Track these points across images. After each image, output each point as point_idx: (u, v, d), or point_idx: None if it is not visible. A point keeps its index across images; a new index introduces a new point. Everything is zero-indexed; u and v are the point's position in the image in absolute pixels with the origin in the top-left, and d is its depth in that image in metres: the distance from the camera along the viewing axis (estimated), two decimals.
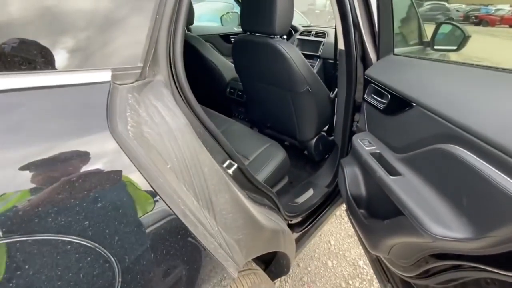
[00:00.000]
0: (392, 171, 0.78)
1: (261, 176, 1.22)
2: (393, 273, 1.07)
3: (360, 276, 1.60)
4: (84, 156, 0.35)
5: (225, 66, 1.94)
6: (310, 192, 1.47)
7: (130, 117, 0.40)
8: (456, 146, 0.57)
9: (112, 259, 0.35)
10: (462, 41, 1.18)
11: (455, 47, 1.22)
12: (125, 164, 0.37)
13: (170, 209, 0.41)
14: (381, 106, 0.93)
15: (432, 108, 0.66)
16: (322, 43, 2.26)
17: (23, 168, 0.31)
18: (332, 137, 1.65)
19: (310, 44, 2.26)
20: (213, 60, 1.88)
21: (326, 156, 1.69)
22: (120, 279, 0.35)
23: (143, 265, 0.38)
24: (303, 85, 1.24)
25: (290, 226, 1.27)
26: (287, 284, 1.57)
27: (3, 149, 0.31)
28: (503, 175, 0.47)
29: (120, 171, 0.36)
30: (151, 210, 0.39)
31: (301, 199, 1.40)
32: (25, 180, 0.31)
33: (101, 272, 0.34)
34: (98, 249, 0.33)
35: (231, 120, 1.55)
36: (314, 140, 1.54)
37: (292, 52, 1.16)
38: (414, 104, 0.73)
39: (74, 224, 0.33)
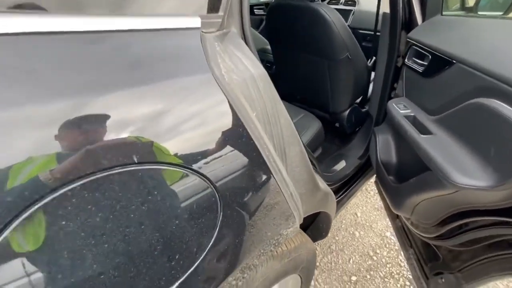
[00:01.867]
0: (424, 131, 0.78)
1: None
2: (416, 238, 1.10)
3: (387, 246, 1.64)
4: (188, 98, 0.36)
5: (253, 36, 1.90)
6: (342, 163, 1.47)
7: (221, 63, 0.41)
8: (490, 99, 0.58)
9: (216, 188, 0.37)
10: (511, 5, 1.10)
11: (501, 12, 1.13)
12: (226, 107, 0.39)
13: (260, 152, 0.43)
14: (420, 69, 0.91)
15: (471, 63, 0.66)
16: (352, 12, 2.15)
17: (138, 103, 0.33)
18: (365, 109, 1.62)
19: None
20: None
21: (357, 129, 1.67)
22: (221, 205, 0.38)
23: (236, 195, 0.42)
24: (343, 52, 1.20)
25: None
26: (316, 251, 1.63)
27: (120, 86, 0.33)
28: None
29: (223, 114, 0.38)
30: (246, 151, 0.41)
31: (335, 169, 1.41)
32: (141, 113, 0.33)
33: (206, 200, 0.37)
34: (203, 179, 0.36)
35: None
36: (348, 111, 1.51)
37: (333, 15, 1.12)
38: (454, 62, 0.72)
39: (185, 155, 0.35)
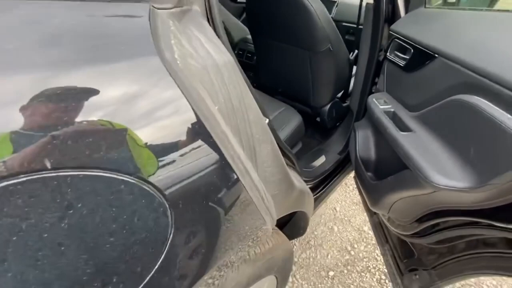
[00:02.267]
0: (403, 128, 0.76)
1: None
2: (392, 234, 1.11)
3: (365, 240, 1.65)
4: (124, 86, 0.29)
5: (234, 25, 1.80)
6: (322, 159, 1.45)
7: (175, 45, 0.34)
8: (471, 95, 0.55)
9: (162, 192, 0.31)
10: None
11: (484, 7, 1.13)
12: (176, 98, 0.32)
13: (222, 153, 0.37)
14: (402, 63, 0.88)
15: (453, 57, 0.63)
16: (336, 4, 2.11)
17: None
18: (345, 103, 1.60)
19: None
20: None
21: (337, 124, 1.65)
22: (172, 217, 0.31)
23: (191, 205, 0.35)
24: (325, 43, 1.15)
25: None
26: (294, 246, 1.61)
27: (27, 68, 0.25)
28: None
29: (172, 105, 0.31)
30: (204, 151, 0.35)
31: (314, 165, 1.38)
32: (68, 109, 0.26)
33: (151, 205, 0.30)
34: (148, 187, 0.30)
35: None
36: (329, 106, 1.48)
37: (316, 5, 1.06)
38: (436, 56, 0.69)
39: (123, 158, 0.28)
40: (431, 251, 0.96)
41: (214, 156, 0.36)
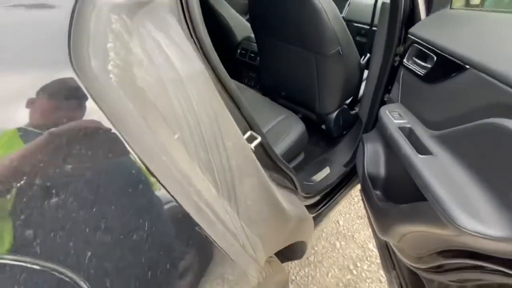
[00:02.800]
0: (422, 150, 0.65)
1: (277, 151, 1.07)
2: (400, 261, 0.99)
3: (368, 259, 1.54)
4: (25, 110, 0.19)
5: (237, 22, 1.69)
6: (326, 171, 1.33)
7: (113, 51, 0.23)
8: None
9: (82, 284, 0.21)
10: None
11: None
12: (102, 128, 0.21)
13: (176, 201, 0.26)
14: (422, 72, 0.76)
15: (490, 70, 0.51)
16: (348, 2, 1.98)
17: None
18: (354, 111, 1.48)
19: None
20: (224, 14, 1.63)
21: (345, 132, 1.53)
22: None
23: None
24: (334, 46, 1.04)
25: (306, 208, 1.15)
26: (292, 263, 1.50)
27: None
28: None
29: (93, 139, 0.21)
30: (146, 205, 0.24)
31: (317, 178, 1.27)
32: None
33: None
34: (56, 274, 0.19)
35: (241, 85, 1.37)
36: (335, 113, 1.36)
37: (326, 4, 0.95)
38: (467, 67, 0.57)
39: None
40: (443, 286, 0.84)
41: (163, 206, 0.26)
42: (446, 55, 0.65)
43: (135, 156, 0.23)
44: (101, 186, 0.20)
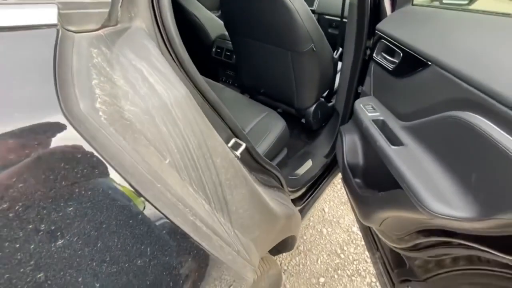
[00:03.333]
0: (395, 141, 0.70)
1: (260, 150, 1.09)
2: (383, 243, 1.07)
3: (354, 242, 1.63)
4: (18, 164, 0.19)
5: (210, 21, 1.67)
6: (309, 163, 1.38)
7: (99, 87, 0.24)
8: (474, 114, 0.49)
9: None
10: None
11: (465, 1, 1.07)
12: (98, 168, 0.22)
13: (174, 224, 0.28)
14: (390, 67, 0.81)
15: (450, 67, 0.55)
16: None
17: None
18: (331, 103, 1.53)
19: None
20: (196, 14, 1.60)
21: (324, 124, 1.59)
22: None
23: None
24: (307, 43, 1.06)
25: (292, 201, 1.19)
26: (284, 254, 1.56)
27: None
28: None
29: (91, 181, 0.22)
30: (147, 231, 0.26)
31: (301, 171, 1.32)
32: None
33: None
34: None
35: (220, 85, 1.37)
36: (313, 107, 1.40)
37: (297, 3, 0.97)
38: (429, 63, 0.62)
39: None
40: (423, 262, 0.92)
41: (164, 231, 0.27)
42: (411, 52, 0.70)
43: (131, 188, 0.24)
44: (103, 222, 0.22)
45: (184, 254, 0.29)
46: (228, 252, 0.37)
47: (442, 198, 0.53)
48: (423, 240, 0.75)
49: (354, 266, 1.51)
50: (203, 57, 1.83)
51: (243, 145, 0.54)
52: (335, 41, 1.38)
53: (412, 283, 0.95)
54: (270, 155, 1.16)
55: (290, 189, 1.13)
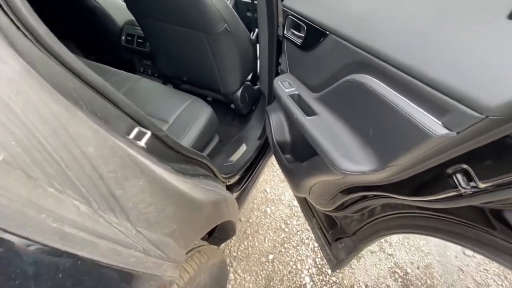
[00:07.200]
0: (309, 112, 0.75)
1: (187, 140, 1.03)
2: (317, 209, 1.17)
3: (296, 214, 1.73)
4: None
5: (115, 5, 1.47)
6: (243, 148, 1.38)
7: None
8: (363, 75, 0.54)
9: None
10: None
11: None
12: None
13: (23, 237, 0.21)
14: (299, 42, 0.84)
15: (343, 34, 0.60)
16: None
17: None
18: (257, 86, 1.54)
19: None
20: (98, 0, 1.38)
21: (253, 107, 1.60)
22: None
23: None
24: (220, 23, 1.02)
25: (228, 187, 1.18)
26: (231, 240, 1.56)
27: None
28: (406, 99, 0.44)
29: None
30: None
31: (236, 157, 1.31)
32: None
33: None
34: None
35: (135, 77, 1.23)
36: (240, 91, 1.39)
37: None
38: (327, 33, 0.66)
39: None
40: (349, 219, 1.02)
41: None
42: (312, 24, 0.73)
43: None
44: None
45: (49, 270, 0.23)
46: (128, 255, 0.32)
47: (350, 157, 0.57)
48: (344, 199, 0.83)
49: (298, 236, 1.61)
50: (112, 47, 1.62)
51: (148, 133, 0.48)
52: (253, 24, 1.37)
53: (344, 239, 1.06)
54: (199, 144, 1.11)
55: (226, 176, 1.11)
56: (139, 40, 1.49)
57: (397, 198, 0.61)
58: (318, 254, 1.52)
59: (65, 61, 0.36)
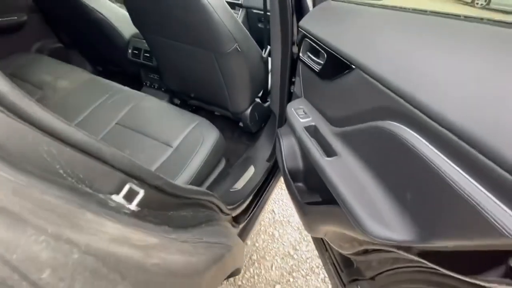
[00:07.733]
0: (328, 149, 0.66)
1: (192, 167, 0.96)
2: (330, 245, 1.07)
3: (306, 239, 1.62)
4: None
5: (121, 17, 1.42)
6: (251, 170, 1.30)
7: None
8: (404, 128, 0.43)
9: None
10: None
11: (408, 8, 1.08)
12: None
13: None
14: (317, 68, 0.75)
15: (373, 72, 0.51)
16: None
17: None
18: (267, 103, 1.46)
19: None
20: (100, 10, 1.33)
21: (263, 125, 1.52)
22: None
23: None
24: (230, 43, 0.95)
25: (234, 218, 1.09)
26: None
27: None
28: (461, 171, 0.34)
29: None
30: None
31: (243, 182, 1.22)
32: None
33: None
34: None
35: (140, 94, 1.17)
36: (249, 110, 1.31)
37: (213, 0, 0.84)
38: (353, 66, 0.57)
39: None
40: (368, 262, 0.92)
41: None
42: (334, 53, 0.64)
43: None
44: None
45: None
46: None
47: (380, 219, 0.48)
48: (365, 247, 0.73)
49: (308, 264, 1.50)
50: (119, 60, 1.57)
51: (141, 192, 0.41)
52: (266, 36, 1.29)
53: (361, 282, 0.95)
54: (206, 170, 1.04)
55: (232, 206, 1.02)
56: (145, 55, 1.44)
57: (435, 268, 0.51)
58: (329, 286, 1.42)
59: (36, 121, 0.29)
